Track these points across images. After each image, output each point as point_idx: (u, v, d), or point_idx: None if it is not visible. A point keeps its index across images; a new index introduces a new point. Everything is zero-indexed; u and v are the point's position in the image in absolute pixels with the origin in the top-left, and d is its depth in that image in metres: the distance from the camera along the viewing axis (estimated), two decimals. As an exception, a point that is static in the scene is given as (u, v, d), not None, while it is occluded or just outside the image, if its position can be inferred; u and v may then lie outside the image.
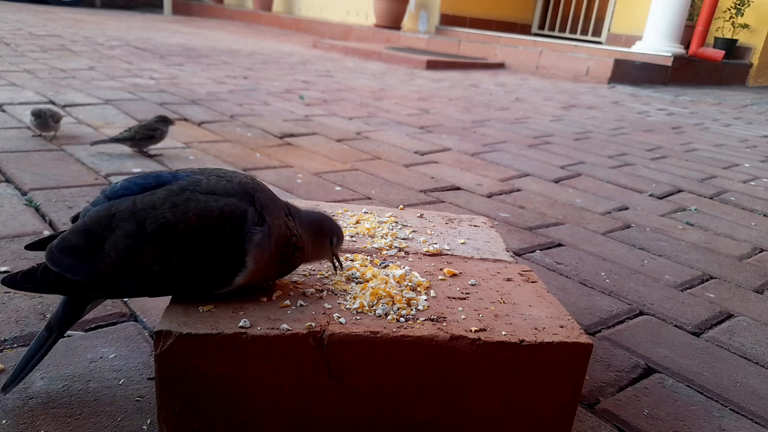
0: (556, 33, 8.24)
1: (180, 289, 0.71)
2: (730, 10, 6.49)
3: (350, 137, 2.41)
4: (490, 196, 1.83)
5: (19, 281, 0.70)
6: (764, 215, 1.94)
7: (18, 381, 0.72)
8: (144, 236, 0.67)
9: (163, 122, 1.85)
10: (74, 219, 0.74)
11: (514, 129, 2.97)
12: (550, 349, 0.70)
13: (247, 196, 0.71)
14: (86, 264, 0.67)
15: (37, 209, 1.35)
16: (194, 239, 0.68)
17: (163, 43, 5.20)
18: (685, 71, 6.00)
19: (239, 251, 0.69)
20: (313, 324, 0.67)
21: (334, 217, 1.03)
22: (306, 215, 0.77)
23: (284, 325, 0.66)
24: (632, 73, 5.57)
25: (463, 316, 0.73)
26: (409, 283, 0.79)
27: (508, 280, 0.86)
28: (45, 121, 1.86)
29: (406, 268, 0.84)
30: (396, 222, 1.04)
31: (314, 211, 0.79)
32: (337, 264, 0.81)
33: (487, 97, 4.00)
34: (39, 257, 0.78)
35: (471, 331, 0.70)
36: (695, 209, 1.93)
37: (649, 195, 2.04)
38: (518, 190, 1.93)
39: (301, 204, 0.95)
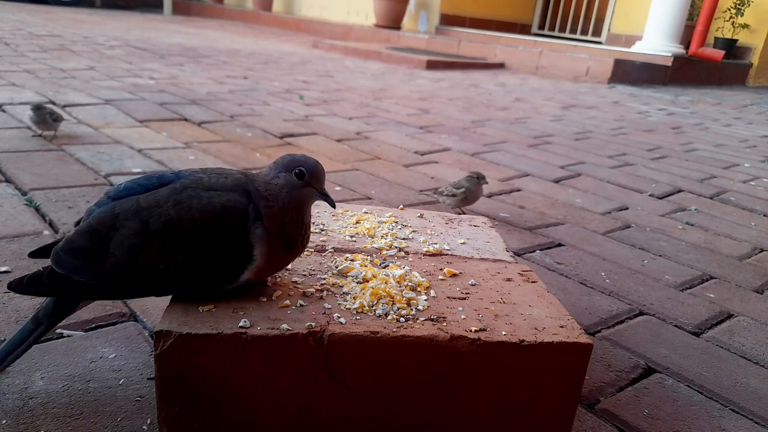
0: (556, 33, 8.24)
1: (185, 287, 0.70)
2: (730, 10, 6.49)
3: (350, 137, 2.41)
4: (490, 196, 1.83)
5: (26, 286, 0.70)
6: (764, 215, 1.94)
7: None
8: (149, 234, 0.67)
9: (474, 179, 1.58)
10: (77, 223, 0.74)
11: (514, 129, 2.97)
12: (550, 349, 0.70)
13: (243, 192, 0.71)
14: (92, 264, 0.68)
15: (37, 209, 1.34)
16: (198, 235, 0.68)
17: (163, 43, 5.20)
18: (685, 71, 6.00)
19: (245, 246, 0.69)
20: (313, 324, 0.67)
21: (334, 217, 1.03)
22: (268, 168, 0.72)
23: (284, 325, 0.66)
24: (632, 73, 5.57)
25: (463, 316, 0.73)
26: (409, 283, 0.79)
27: (508, 280, 0.86)
28: (44, 117, 1.86)
29: (406, 268, 0.84)
30: (396, 222, 1.04)
31: (277, 159, 0.74)
32: (328, 199, 0.73)
33: (487, 97, 4.00)
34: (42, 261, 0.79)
35: (471, 331, 0.70)
36: (695, 209, 1.93)
37: (649, 195, 2.04)
38: (518, 190, 1.93)
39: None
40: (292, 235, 0.71)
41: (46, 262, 0.71)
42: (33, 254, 0.76)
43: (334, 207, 0.75)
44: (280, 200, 0.70)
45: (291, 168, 0.71)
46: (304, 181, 0.71)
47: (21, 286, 0.70)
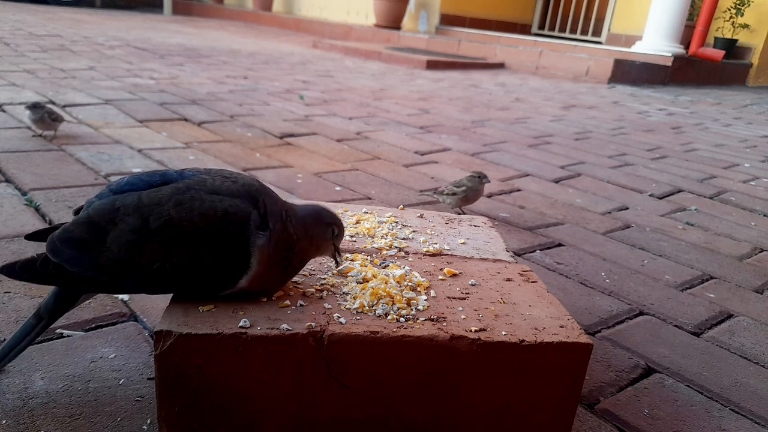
0: (556, 33, 8.24)
1: (180, 289, 0.70)
2: (730, 10, 6.49)
3: (350, 137, 2.41)
4: (490, 196, 1.83)
5: (17, 271, 0.69)
6: (764, 215, 1.94)
7: None
8: (147, 232, 0.67)
9: (476, 178, 1.57)
10: (77, 211, 0.74)
11: (514, 129, 2.97)
12: (550, 349, 0.70)
13: (251, 199, 0.71)
14: (87, 256, 0.67)
15: (37, 209, 1.35)
16: (197, 238, 0.67)
17: (163, 43, 5.20)
18: (685, 71, 6.00)
19: (243, 253, 0.68)
20: (313, 324, 0.67)
21: None
22: (302, 209, 0.76)
23: (284, 325, 0.66)
24: (632, 73, 5.57)
25: (463, 316, 0.73)
26: (409, 283, 0.79)
27: (508, 280, 0.86)
28: (41, 115, 1.86)
29: (406, 268, 0.84)
30: (396, 222, 1.04)
31: (310, 204, 0.78)
32: (338, 258, 0.79)
33: (487, 97, 4.00)
34: (38, 250, 0.79)
35: (471, 331, 0.70)
36: (695, 209, 1.93)
37: (649, 195, 2.04)
38: (518, 190, 1.93)
39: (300, 204, 0.95)
40: (288, 265, 0.73)
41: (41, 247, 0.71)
42: (30, 237, 0.76)
43: (338, 266, 0.82)
44: (303, 239, 0.73)
45: (326, 223, 0.76)
46: (333, 239, 0.77)
47: (13, 271, 0.69)
